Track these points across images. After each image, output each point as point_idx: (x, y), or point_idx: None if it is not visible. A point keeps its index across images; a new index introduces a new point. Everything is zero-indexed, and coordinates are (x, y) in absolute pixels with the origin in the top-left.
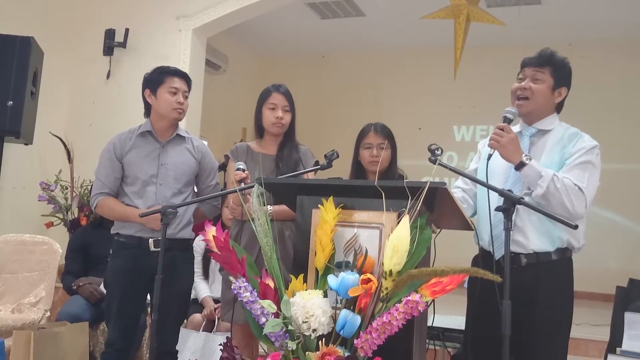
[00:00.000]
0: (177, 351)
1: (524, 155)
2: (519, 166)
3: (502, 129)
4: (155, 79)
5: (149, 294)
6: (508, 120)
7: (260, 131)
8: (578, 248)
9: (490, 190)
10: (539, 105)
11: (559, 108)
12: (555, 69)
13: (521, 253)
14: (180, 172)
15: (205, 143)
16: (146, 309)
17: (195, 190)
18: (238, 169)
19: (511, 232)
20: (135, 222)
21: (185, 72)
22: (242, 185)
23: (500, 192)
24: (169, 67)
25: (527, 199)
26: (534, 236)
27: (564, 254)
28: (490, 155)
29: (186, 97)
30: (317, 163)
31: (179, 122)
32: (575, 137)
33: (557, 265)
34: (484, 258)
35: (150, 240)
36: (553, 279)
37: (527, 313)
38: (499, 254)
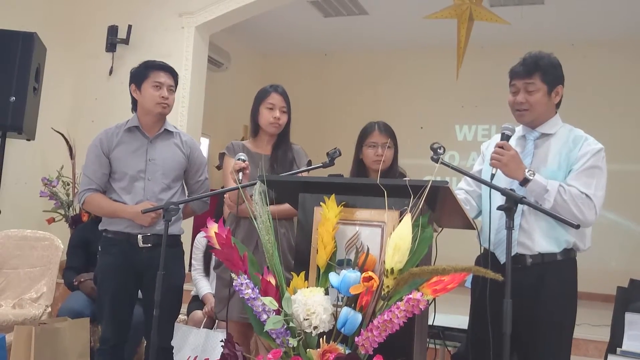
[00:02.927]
0: (172, 347)
1: (527, 170)
2: (524, 182)
3: (502, 147)
4: (140, 74)
5: (139, 290)
6: (506, 137)
7: (255, 130)
8: (583, 249)
9: (493, 196)
10: (539, 113)
11: (558, 104)
12: (545, 73)
13: (526, 254)
14: (168, 168)
15: (207, 141)
16: (141, 305)
17: (184, 185)
18: (239, 159)
19: (517, 234)
20: (123, 217)
21: (170, 67)
22: (240, 175)
23: (503, 191)
24: (154, 61)
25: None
26: (541, 239)
27: (569, 254)
28: (493, 175)
29: (172, 92)
30: (309, 162)
31: (179, 118)
32: (580, 140)
33: (562, 265)
34: (487, 258)
35: (139, 236)
36: (558, 278)
37: (531, 312)
38: (504, 257)
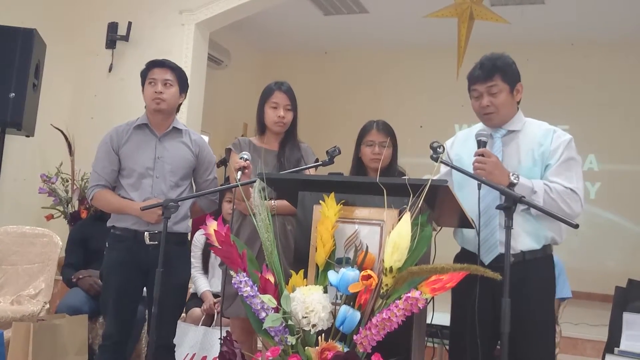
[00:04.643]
0: (174, 345)
1: (511, 174)
2: (509, 187)
3: (482, 154)
4: (142, 74)
5: (145, 287)
6: (484, 144)
7: (262, 128)
8: (560, 242)
9: (473, 198)
10: (506, 113)
11: (519, 102)
12: (504, 73)
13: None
14: (176, 166)
15: (207, 138)
16: (145, 302)
17: (193, 184)
18: (242, 158)
19: (499, 234)
20: (130, 214)
21: (166, 61)
22: (239, 174)
23: (502, 191)
24: (153, 60)
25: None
26: (523, 237)
27: (547, 250)
28: (480, 185)
29: (168, 86)
30: (317, 161)
31: (182, 115)
32: (550, 133)
33: (542, 261)
34: (466, 259)
35: (146, 234)
36: (538, 275)
37: (516, 310)
38: (488, 258)
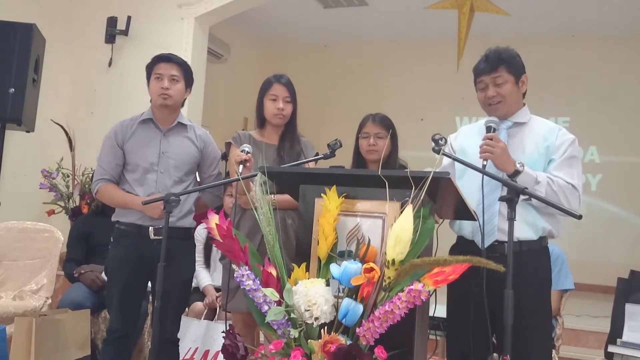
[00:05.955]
0: (178, 339)
1: (516, 162)
2: (514, 175)
3: (492, 139)
4: (148, 68)
5: (149, 282)
6: (493, 130)
7: (261, 121)
8: (557, 236)
9: (475, 187)
10: (512, 103)
11: (524, 94)
12: (509, 64)
13: (505, 242)
14: (181, 161)
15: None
16: (147, 297)
17: (198, 179)
18: (243, 151)
19: (497, 220)
20: (135, 209)
21: (173, 56)
22: (241, 167)
23: (504, 182)
24: (160, 54)
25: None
26: (521, 225)
27: (543, 242)
28: (484, 166)
29: (174, 81)
30: (317, 155)
31: (182, 110)
32: (555, 130)
33: (538, 253)
34: (463, 248)
35: (151, 228)
36: (534, 265)
37: (513, 299)
38: (485, 243)
